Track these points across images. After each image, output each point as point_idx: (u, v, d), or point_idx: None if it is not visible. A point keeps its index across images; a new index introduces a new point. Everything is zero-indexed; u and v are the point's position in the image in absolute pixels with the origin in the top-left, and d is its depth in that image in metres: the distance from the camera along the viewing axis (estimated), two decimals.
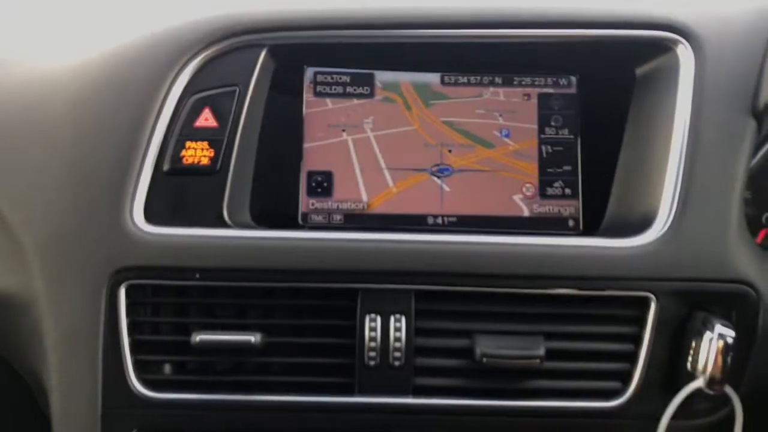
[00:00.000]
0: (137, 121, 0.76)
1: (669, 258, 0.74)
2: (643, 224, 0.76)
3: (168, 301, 0.76)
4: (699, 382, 0.70)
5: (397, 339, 0.73)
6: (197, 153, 0.76)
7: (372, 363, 0.73)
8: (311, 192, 0.83)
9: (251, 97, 0.79)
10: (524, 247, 0.75)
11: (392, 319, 0.73)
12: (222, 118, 0.78)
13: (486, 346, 0.73)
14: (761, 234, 0.87)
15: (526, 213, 0.83)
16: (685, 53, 0.80)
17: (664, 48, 0.81)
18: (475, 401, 0.75)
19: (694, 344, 0.72)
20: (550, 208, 0.84)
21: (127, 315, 0.74)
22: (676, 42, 0.80)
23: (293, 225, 0.82)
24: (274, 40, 0.80)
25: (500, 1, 0.83)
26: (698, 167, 0.76)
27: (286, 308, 0.76)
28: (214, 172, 0.76)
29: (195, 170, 0.76)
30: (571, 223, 0.83)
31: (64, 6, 0.97)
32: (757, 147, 0.86)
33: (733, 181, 0.76)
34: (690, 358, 0.72)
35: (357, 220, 0.83)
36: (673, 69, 0.80)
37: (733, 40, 0.80)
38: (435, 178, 0.84)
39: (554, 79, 0.86)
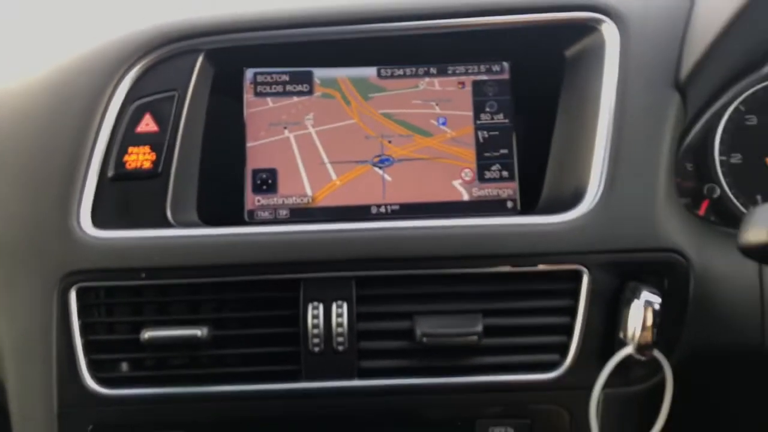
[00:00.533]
0: (81, 129, 0.79)
1: (599, 231, 0.76)
2: (574, 200, 0.78)
3: (120, 301, 0.78)
4: (629, 349, 0.72)
5: (339, 325, 0.75)
6: (139, 157, 0.79)
7: (316, 349, 0.76)
8: (256, 189, 0.85)
9: (191, 101, 0.82)
10: (459, 228, 0.78)
11: (334, 305, 0.76)
12: (162, 123, 0.80)
13: (426, 327, 0.75)
14: (704, 205, 0.88)
15: (466, 197, 0.86)
16: (610, 32, 0.82)
17: (589, 28, 0.83)
18: (418, 380, 0.77)
19: (625, 313, 0.74)
20: (488, 191, 0.86)
21: (79, 317, 0.76)
22: (600, 21, 0.83)
23: (240, 223, 0.85)
24: (211, 44, 0.83)
25: None
26: (624, 142, 0.78)
27: (234, 302, 0.78)
28: (157, 175, 0.79)
29: (138, 174, 0.79)
30: (509, 204, 0.86)
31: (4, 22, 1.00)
32: (695, 119, 0.88)
33: (659, 154, 0.78)
34: (622, 327, 0.74)
35: (302, 214, 0.85)
36: (600, 48, 0.82)
37: (656, 16, 0.82)
38: (377, 169, 0.86)
39: (487, 66, 0.88)
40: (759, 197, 0.87)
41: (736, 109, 0.88)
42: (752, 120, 0.88)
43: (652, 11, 0.82)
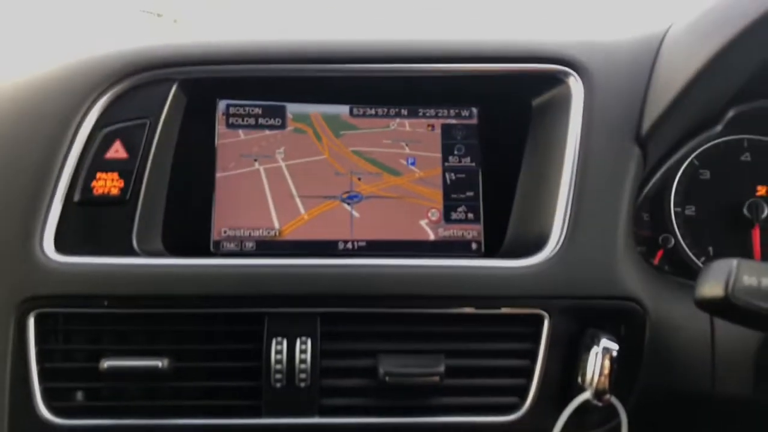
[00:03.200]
0: (49, 153, 0.78)
1: (560, 277, 0.78)
2: (537, 246, 0.80)
3: (79, 329, 0.77)
4: (587, 394, 0.74)
5: (303, 361, 0.75)
6: (107, 184, 0.79)
7: (278, 385, 0.75)
8: (223, 221, 0.85)
9: (162, 129, 0.82)
10: (425, 268, 0.79)
11: (298, 341, 0.76)
12: (132, 150, 0.80)
13: (389, 365, 0.76)
14: (658, 254, 0.92)
15: (431, 237, 0.87)
16: (575, 85, 0.85)
17: (556, 80, 0.86)
18: (379, 419, 0.77)
19: (584, 358, 0.76)
20: (454, 232, 0.88)
21: (37, 343, 0.75)
22: (567, 74, 0.86)
23: (206, 253, 0.84)
24: (185, 75, 0.83)
25: (405, 37, 0.88)
26: (586, 192, 0.80)
27: (196, 333, 0.78)
28: (124, 202, 0.79)
29: (105, 200, 0.78)
30: (474, 246, 0.88)
31: None
32: (652, 172, 0.92)
33: (619, 205, 0.81)
34: (580, 372, 0.76)
35: (269, 247, 0.85)
36: (565, 100, 0.85)
37: (619, 71, 0.86)
38: (345, 205, 0.87)
39: (456, 110, 0.91)
40: (710, 248, 0.90)
41: (691, 164, 0.92)
42: (706, 174, 0.92)
43: (616, 68, 0.86)
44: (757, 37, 0.76)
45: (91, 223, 0.78)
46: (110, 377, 0.75)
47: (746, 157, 0.93)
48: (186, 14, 1.52)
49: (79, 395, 0.77)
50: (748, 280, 0.61)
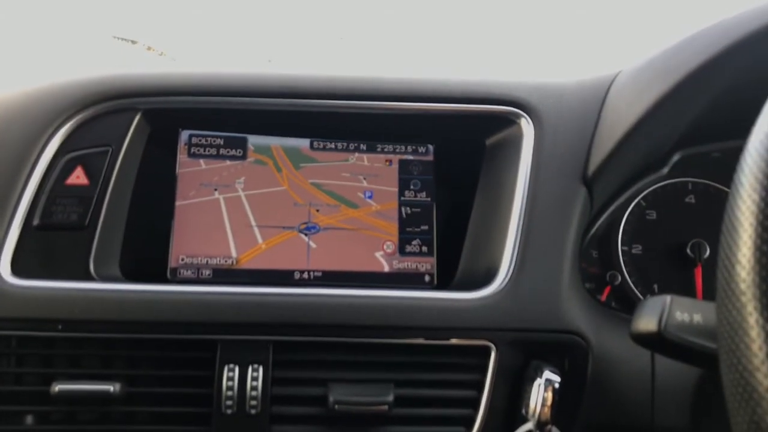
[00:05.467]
0: (9, 178, 0.80)
1: (507, 310, 0.80)
2: (486, 279, 0.83)
3: (32, 352, 0.77)
4: (529, 425, 0.76)
5: (254, 388, 0.77)
6: (67, 209, 0.80)
7: (229, 411, 0.76)
8: (181, 248, 0.87)
9: (124, 157, 0.83)
10: (378, 299, 0.81)
11: (250, 369, 0.77)
12: (93, 177, 0.82)
13: (339, 394, 0.77)
14: (606, 291, 0.95)
15: (386, 269, 0.90)
16: (526, 126, 0.89)
17: (508, 121, 0.90)
18: None
19: (527, 390, 0.78)
20: (408, 264, 0.90)
21: None
22: (518, 116, 0.89)
23: (163, 280, 0.85)
24: (148, 105, 0.85)
25: (365, 74, 0.91)
26: (534, 229, 0.83)
27: (149, 359, 0.79)
28: (83, 227, 0.80)
29: (64, 225, 0.80)
30: (427, 278, 0.90)
31: None
32: (600, 211, 0.95)
33: (565, 242, 0.84)
34: (524, 403, 0.78)
35: (226, 275, 0.87)
36: (517, 140, 0.89)
37: (569, 114, 0.89)
38: (302, 236, 0.89)
39: (413, 147, 0.94)
40: (656, 286, 0.94)
41: (638, 204, 0.96)
42: (652, 215, 0.96)
43: (566, 111, 0.89)
44: (694, 87, 0.80)
45: (48, 247, 0.79)
46: (62, 401, 0.75)
47: (690, 198, 0.97)
48: (160, 43, 1.55)
49: (29, 419, 0.77)
50: (681, 316, 0.64)
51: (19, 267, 0.78)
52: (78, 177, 0.81)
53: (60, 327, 0.76)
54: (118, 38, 1.53)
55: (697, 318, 0.64)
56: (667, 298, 0.64)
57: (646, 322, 0.64)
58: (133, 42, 1.53)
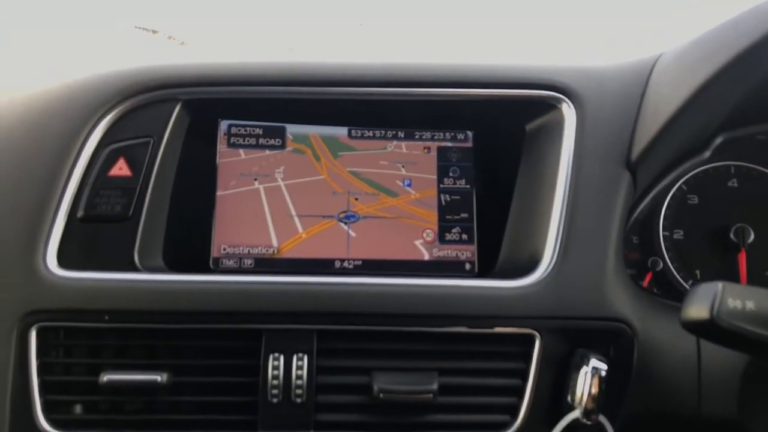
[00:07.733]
0: (53, 170, 0.80)
1: (551, 298, 0.80)
2: (529, 267, 0.82)
3: (79, 343, 0.78)
4: (576, 413, 0.76)
5: (299, 377, 0.77)
6: (110, 200, 0.81)
7: (275, 400, 0.77)
8: (222, 238, 0.87)
9: (165, 148, 0.84)
10: (420, 288, 0.81)
11: (295, 357, 0.77)
12: (136, 168, 0.82)
13: (383, 382, 0.77)
14: (647, 277, 0.94)
15: (426, 257, 0.89)
16: (568, 111, 0.88)
17: (549, 106, 0.89)
18: None
19: (573, 378, 0.78)
20: (448, 252, 0.90)
21: (38, 356, 0.76)
22: (560, 101, 0.88)
23: (205, 270, 0.86)
24: (188, 95, 0.85)
25: (402, 61, 0.91)
26: (578, 215, 0.83)
27: (195, 349, 0.79)
28: (127, 218, 0.80)
29: (108, 217, 0.80)
30: (467, 266, 0.90)
31: None
32: (642, 196, 0.94)
33: (610, 228, 0.83)
34: (570, 391, 0.78)
35: (267, 265, 0.87)
36: (558, 125, 0.88)
37: (611, 98, 0.88)
38: (342, 224, 0.89)
39: (452, 133, 0.93)
40: (698, 272, 0.92)
41: (680, 189, 0.94)
42: (694, 199, 0.95)
43: (608, 95, 0.88)
44: (742, 68, 0.79)
45: (93, 239, 0.80)
46: (109, 391, 0.76)
47: (733, 182, 0.95)
48: (180, 32, 1.55)
49: (78, 408, 0.79)
50: (733, 302, 0.63)
51: (64, 259, 0.78)
52: (120, 168, 0.82)
53: (106, 318, 0.77)
54: (140, 28, 1.54)
55: (750, 305, 0.63)
56: (719, 284, 0.63)
57: (698, 309, 0.63)
58: (155, 32, 1.54)
